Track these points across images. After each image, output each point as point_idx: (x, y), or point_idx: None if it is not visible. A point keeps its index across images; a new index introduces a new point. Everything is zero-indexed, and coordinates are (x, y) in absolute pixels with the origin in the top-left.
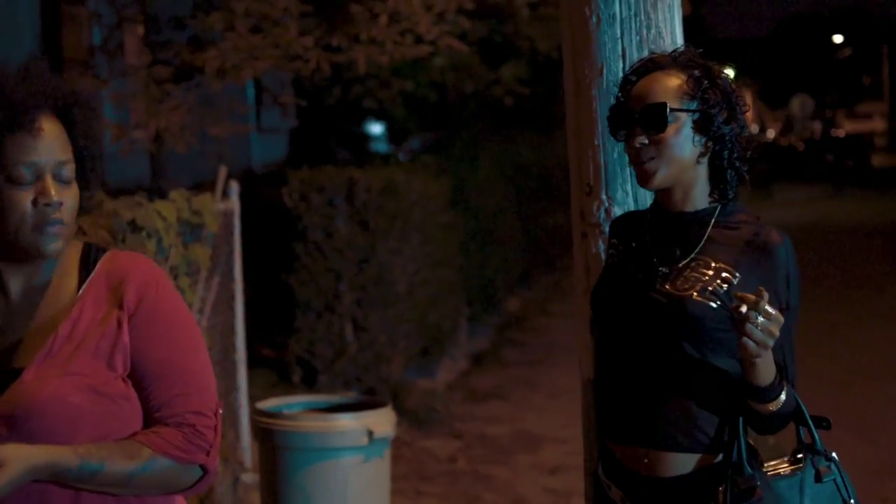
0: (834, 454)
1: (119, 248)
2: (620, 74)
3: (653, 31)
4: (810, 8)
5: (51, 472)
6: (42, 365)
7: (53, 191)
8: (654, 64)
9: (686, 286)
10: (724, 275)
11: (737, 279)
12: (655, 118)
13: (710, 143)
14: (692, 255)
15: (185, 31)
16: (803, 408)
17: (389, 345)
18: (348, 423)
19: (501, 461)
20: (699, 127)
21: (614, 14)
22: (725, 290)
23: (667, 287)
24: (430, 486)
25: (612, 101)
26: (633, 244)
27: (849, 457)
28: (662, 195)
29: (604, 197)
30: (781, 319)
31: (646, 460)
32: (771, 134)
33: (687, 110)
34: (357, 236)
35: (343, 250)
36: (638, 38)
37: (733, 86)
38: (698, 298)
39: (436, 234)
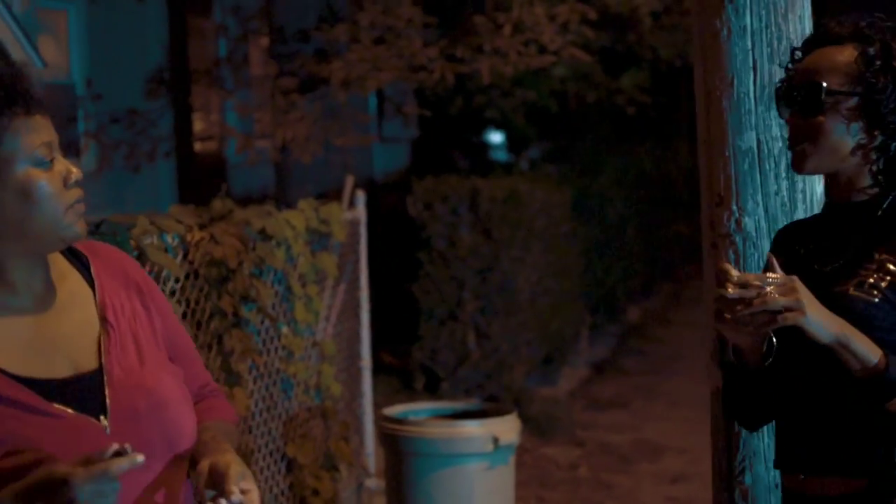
0: None
1: (249, 256)
2: (751, 86)
3: (783, 42)
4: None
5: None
6: (123, 360)
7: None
8: (827, 36)
9: (844, 282)
10: (889, 268)
11: None
12: (810, 100)
13: (876, 132)
14: (855, 249)
15: (311, 42)
16: None
17: (511, 352)
18: (474, 430)
19: (623, 469)
20: (863, 113)
21: (745, 26)
22: (890, 283)
23: (825, 287)
24: (552, 493)
25: (744, 112)
26: (800, 251)
27: None
28: (828, 184)
29: (734, 208)
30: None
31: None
32: None
33: (848, 93)
34: (480, 245)
35: (466, 259)
36: (769, 49)
37: None
38: (855, 293)
39: (557, 244)
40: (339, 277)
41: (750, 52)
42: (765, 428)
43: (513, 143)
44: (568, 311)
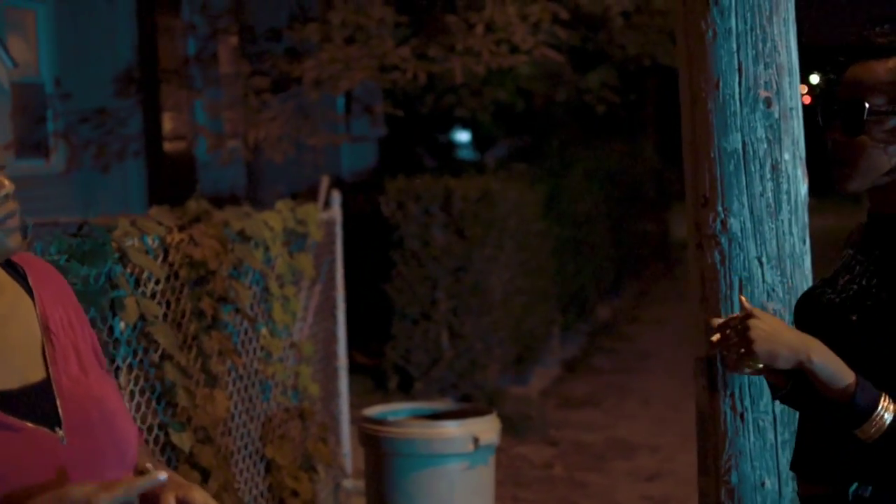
0: None
1: (227, 258)
2: (737, 88)
3: (769, 44)
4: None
5: None
6: (68, 371)
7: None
8: (869, 48)
9: (845, 299)
10: (876, 290)
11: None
12: (852, 119)
13: None
14: (866, 265)
15: (282, 41)
16: None
17: (484, 352)
18: (455, 431)
19: (597, 468)
20: None
21: (730, 28)
22: (868, 306)
23: (833, 297)
24: (527, 492)
25: (729, 113)
26: (853, 254)
27: None
28: (869, 196)
29: (719, 209)
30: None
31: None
32: None
33: (891, 113)
34: (453, 245)
35: (439, 258)
36: (754, 52)
37: None
38: (851, 317)
39: (530, 243)
40: (316, 278)
41: (735, 55)
42: (749, 426)
43: (479, 142)
44: (540, 309)
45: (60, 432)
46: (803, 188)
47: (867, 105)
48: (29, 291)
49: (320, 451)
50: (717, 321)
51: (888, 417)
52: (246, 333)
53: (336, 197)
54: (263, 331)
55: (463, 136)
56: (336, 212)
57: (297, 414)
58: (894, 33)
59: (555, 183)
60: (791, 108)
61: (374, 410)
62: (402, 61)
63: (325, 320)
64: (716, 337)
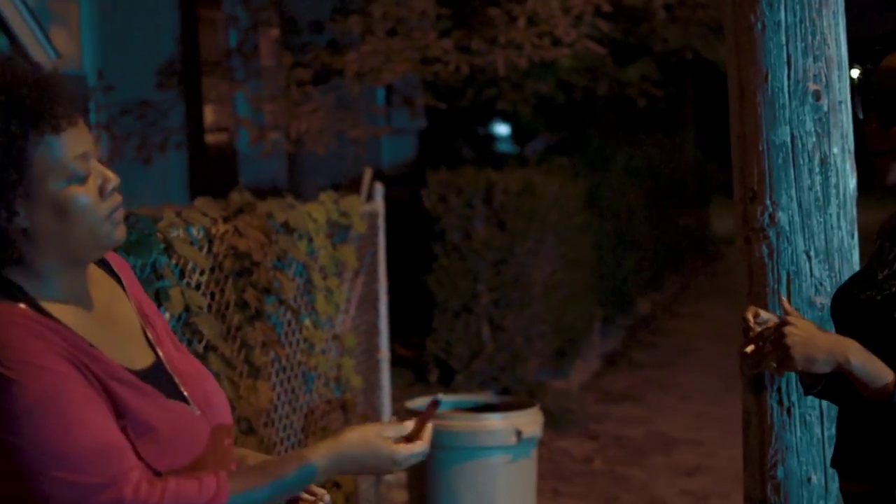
0: None
1: (271, 249)
2: (785, 81)
3: (818, 37)
4: None
5: None
6: (168, 351)
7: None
8: None
9: (884, 295)
10: None
11: None
12: (887, 108)
13: None
14: None
15: (323, 34)
16: None
17: (525, 345)
18: (498, 423)
19: (637, 462)
20: None
21: (780, 21)
22: None
23: (869, 293)
24: (568, 486)
25: (778, 106)
26: (888, 247)
27: None
28: None
29: (768, 202)
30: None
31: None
32: None
33: None
34: (495, 237)
35: (481, 251)
36: (803, 44)
37: None
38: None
39: (571, 236)
40: (359, 270)
41: (784, 47)
42: (796, 421)
43: (519, 135)
44: (580, 303)
45: (192, 406)
46: (852, 182)
47: None
48: (118, 280)
49: None
50: (752, 321)
51: None
52: (289, 325)
53: (379, 189)
54: (307, 322)
55: (502, 129)
56: (379, 204)
57: (339, 406)
58: None
59: (596, 176)
60: (840, 102)
61: (415, 403)
62: (444, 53)
63: (367, 312)
64: (750, 348)
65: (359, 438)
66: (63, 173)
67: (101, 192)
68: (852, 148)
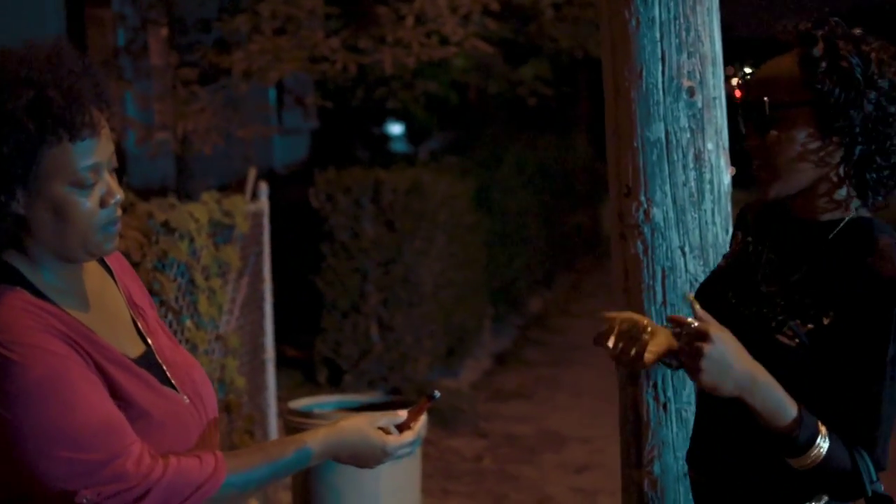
0: None
1: (151, 249)
2: (660, 77)
3: (692, 34)
4: (833, 7)
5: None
6: (159, 340)
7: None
8: (775, 45)
9: (772, 316)
10: (813, 311)
11: (828, 319)
12: (757, 117)
13: (836, 139)
14: (797, 278)
15: (211, 33)
16: (868, 476)
17: (415, 345)
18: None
19: (527, 460)
20: (815, 122)
21: (654, 17)
22: (810, 330)
23: (754, 309)
24: (457, 485)
25: (652, 103)
26: (751, 243)
27: None
28: (794, 196)
29: (642, 199)
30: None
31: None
32: None
33: (793, 104)
34: (383, 237)
35: (369, 251)
36: (677, 41)
37: (872, 59)
38: (778, 336)
39: (461, 235)
40: (243, 270)
41: (658, 44)
42: (672, 417)
43: (413, 135)
44: (471, 302)
45: (182, 395)
46: (726, 178)
47: (766, 100)
48: (108, 271)
49: (247, 444)
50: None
51: (825, 447)
52: (170, 326)
53: (264, 188)
54: (188, 323)
55: (396, 129)
56: (263, 203)
57: (223, 407)
58: (792, 27)
59: (486, 175)
60: (714, 98)
61: (299, 403)
62: (331, 52)
63: (252, 313)
64: (611, 342)
65: (353, 427)
66: (69, 178)
67: (103, 203)
68: (727, 144)
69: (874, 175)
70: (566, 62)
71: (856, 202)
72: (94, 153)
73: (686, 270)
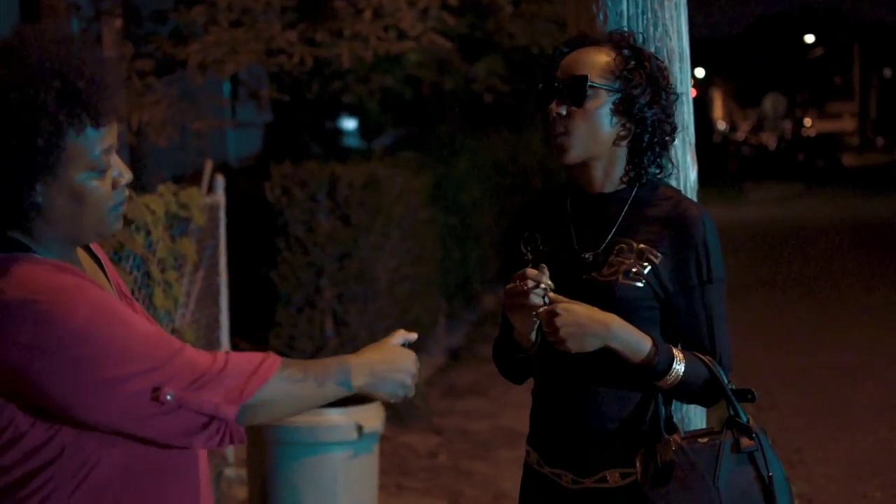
0: (759, 429)
1: (107, 241)
2: None
3: (659, 28)
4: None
5: None
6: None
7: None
8: (587, 38)
9: (611, 271)
10: (647, 255)
11: (659, 258)
12: (575, 91)
13: (630, 125)
14: (613, 238)
15: (167, 24)
16: (722, 380)
17: (370, 340)
18: (338, 419)
19: (482, 456)
20: (620, 108)
21: (622, 11)
22: (650, 270)
23: (593, 275)
24: (412, 480)
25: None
26: (555, 231)
27: (828, 454)
28: (580, 175)
29: None
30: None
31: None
32: (741, 133)
33: (608, 88)
34: (339, 231)
35: (324, 245)
36: (645, 35)
37: (664, 71)
38: (624, 281)
39: (416, 230)
40: (198, 263)
41: None
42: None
43: (366, 130)
44: (425, 298)
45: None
46: (692, 174)
47: (589, 78)
48: (97, 261)
49: None
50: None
51: (681, 369)
52: None
53: (220, 181)
54: None
55: (350, 124)
56: (220, 196)
57: None
58: (604, 32)
59: (441, 171)
60: (681, 94)
61: None
62: (288, 45)
63: (207, 307)
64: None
65: (376, 345)
66: (88, 164)
67: (115, 185)
68: (693, 140)
69: (651, 157)
70: (521, 59)
71: (631, 175)
72: (109, 137)
73: None
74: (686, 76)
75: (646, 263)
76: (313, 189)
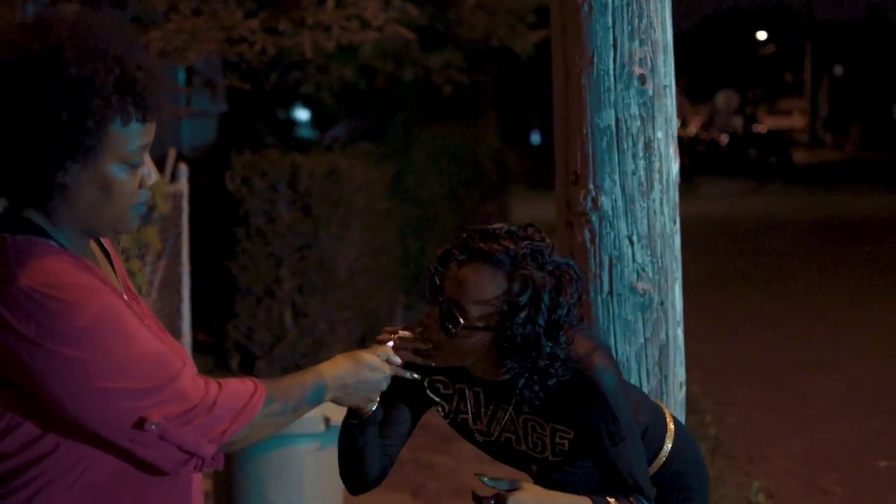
0: None
1: None
2: (611, 64)
3: (644, 20)
4: (735, 4)
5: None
6: (153, 326)
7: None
8: (483, 254)
9: (539, 448)
10: (559, 434)
11: (572, 434)
12: (450, 322)
13: (507, 361)
14: (524, 417)
15: (127, 10)
16: None
17: (329, 331)
18: None
19: (443, 449)
20: (494, 344)
21: (606, 3)
22: (568, 446)
23: (523, 447)
24: None
25: (603, 89)
26: (465, 393)
27: (787, 449)
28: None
29: (591, 186)
30: None
31: None
32: (693, 129)
33: (483, 329)
34: (299, 222)
35: (285, 236)
36: (630, 27)
37: (565, 287)
38: (553, 459)
39: (376, 221)
40: (161, 252)
41: (611, 30)
42: None
43: (319, 121)
44: (385, 289)
45: None
46: (675, 167)
47: (462, 322)
48: (106, 255)
49: None
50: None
51: None
52: None
53: (183, 170)
54: None
55: (303, 115)
56: (183, 185)
57: None
58: (499, 246)
59: (400, 162)
60: (665, 86)
61: None
62: (250, 34)
63: (169, 296)
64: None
65: (352, 356)
66: (124, 156)
67: (142, 183)
68: (675, 133)
69: (520, 360)
70: (479, 51)
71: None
72: (148, 133)
73: (633, 260)
74: (670, 68)
75: (563, 440)
76: (274, 179)
